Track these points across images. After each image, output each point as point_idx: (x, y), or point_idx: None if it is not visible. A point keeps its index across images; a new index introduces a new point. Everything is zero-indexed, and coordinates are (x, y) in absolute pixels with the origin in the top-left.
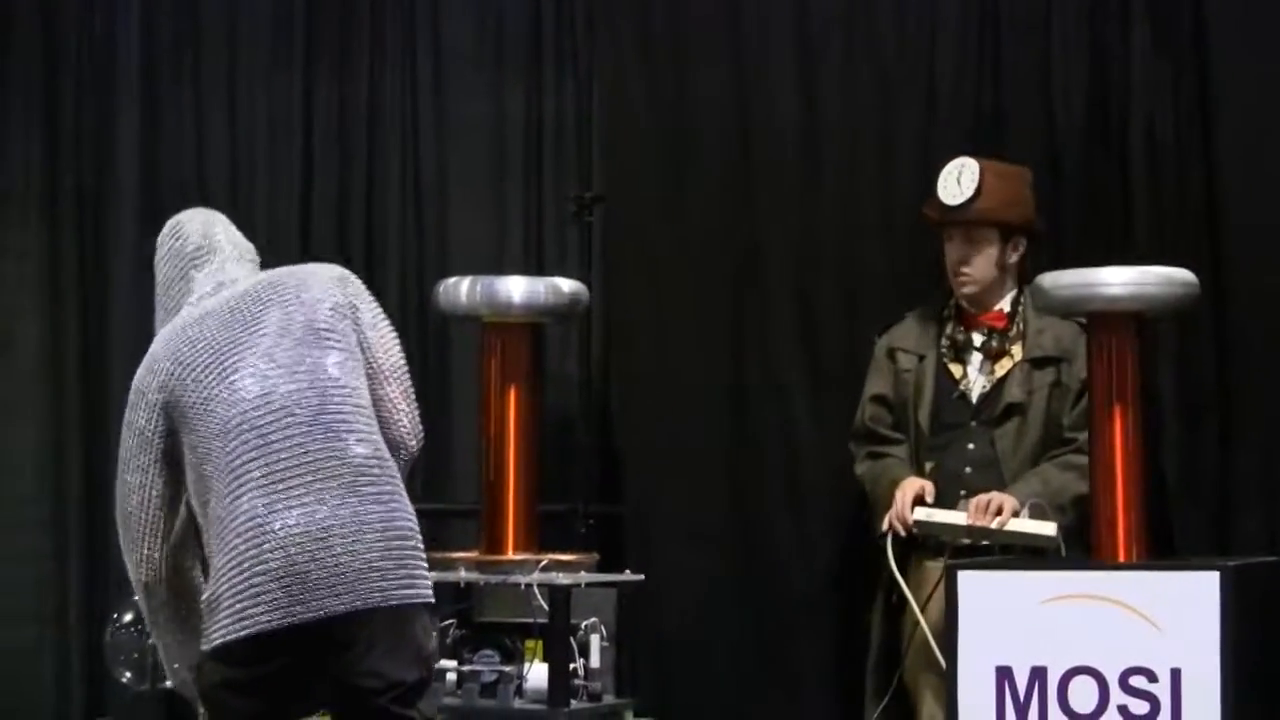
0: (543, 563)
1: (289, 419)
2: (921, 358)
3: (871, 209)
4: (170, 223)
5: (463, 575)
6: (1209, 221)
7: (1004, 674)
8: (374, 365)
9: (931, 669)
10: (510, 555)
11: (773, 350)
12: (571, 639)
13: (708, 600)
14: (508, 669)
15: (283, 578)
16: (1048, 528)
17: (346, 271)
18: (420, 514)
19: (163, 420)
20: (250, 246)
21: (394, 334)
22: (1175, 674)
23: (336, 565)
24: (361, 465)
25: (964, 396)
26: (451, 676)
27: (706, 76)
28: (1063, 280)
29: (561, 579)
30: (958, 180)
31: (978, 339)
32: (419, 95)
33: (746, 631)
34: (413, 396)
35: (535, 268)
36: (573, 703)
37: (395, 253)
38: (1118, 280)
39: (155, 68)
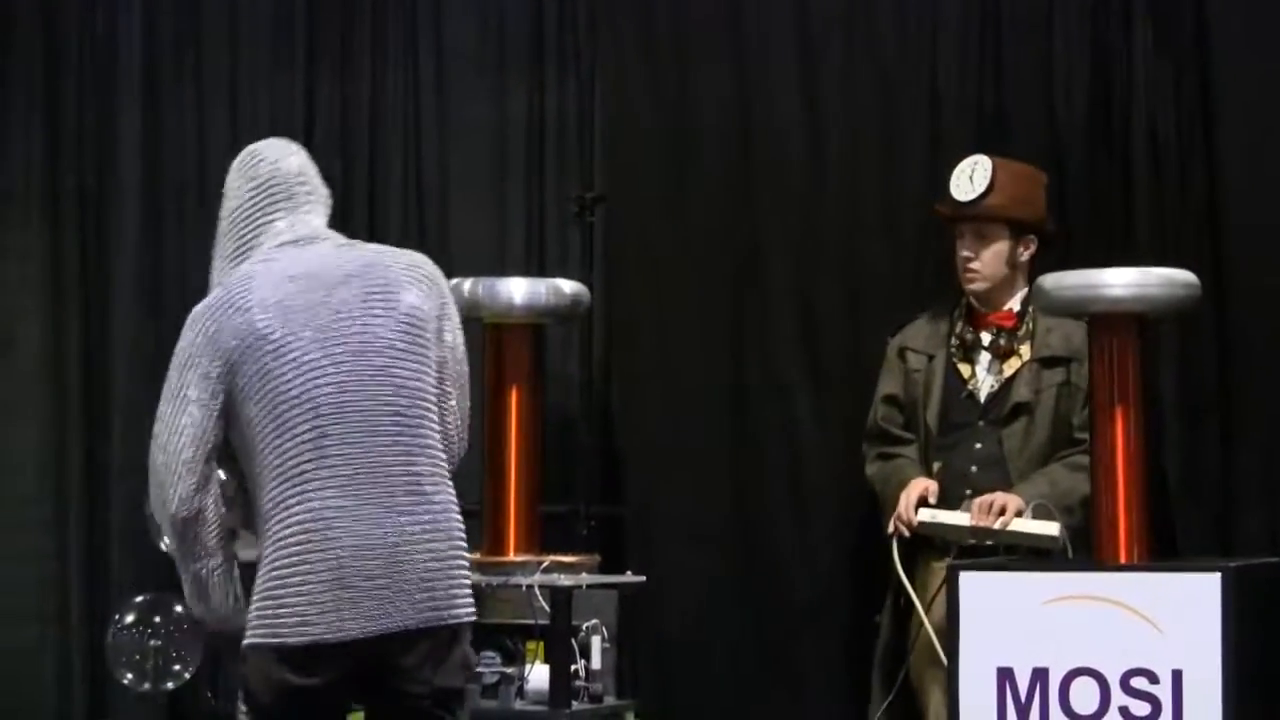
0: (544, 564)
1: (359, 418)
2: (931, 357)
3: (873, 209)
4: (257, 149)
5: None
6: (1210, 221)
7: (1005, 675)
8: (445, 373)
9: (937, 667)
10: (511, 556)
11: (774, 350)
12: (573, 640)
13: (709, 601)
14: (509, 670)
15: (346, 588)
16: (1050, 528)
17: (437, 270)
18: None
19: (227, 370)
20: (327, 192)
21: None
22: (1176, 675)
23: (401, 579)
24: (427, 473)
25: (972, 396)
26: None
27: (708, 76)
28: (1065, 281)
29: (563, 580)
30: (970, 177)
31: (986, 338)
32: (421, 95)
33: (748, 632)
34: (468, 409)
35: (537, 268)
36: (574, 704)
37: None
38: (1119, 281)
39: (157, 68)
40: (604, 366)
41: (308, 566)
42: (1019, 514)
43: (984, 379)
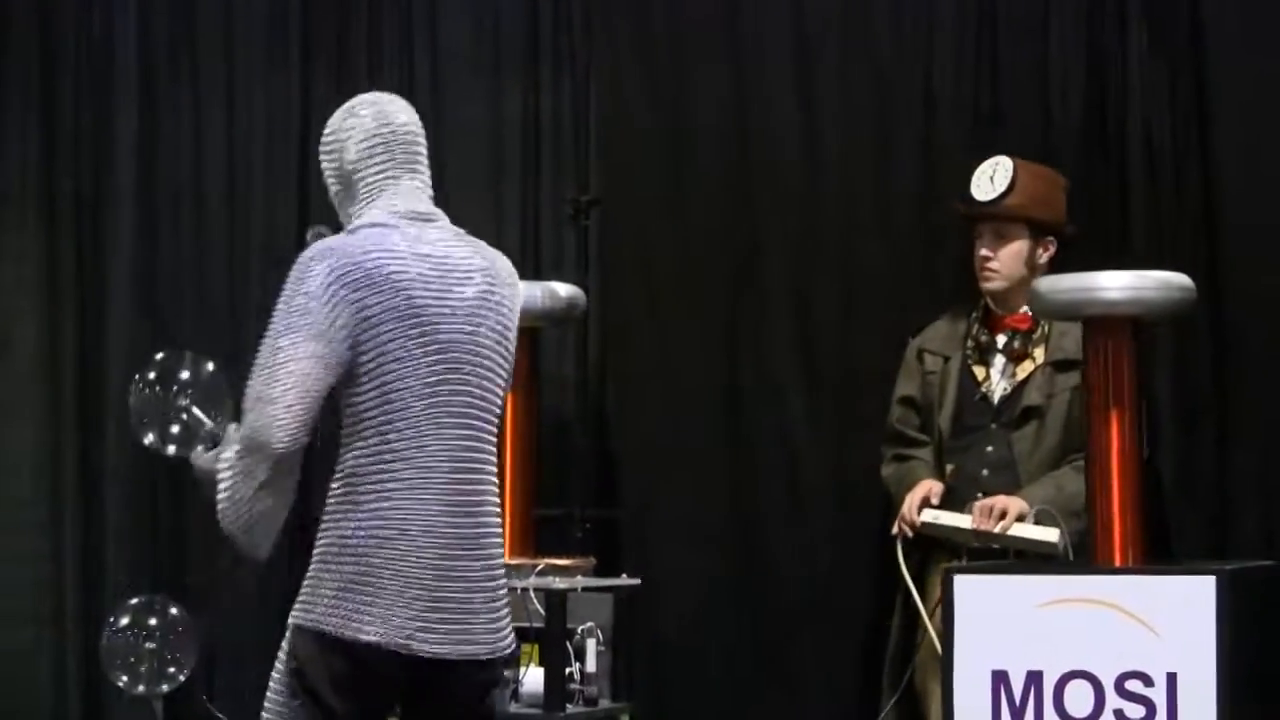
0: (539, 567)
1: (461, 425)
2: (947, 359)
3: (869, 210)
4: (380, 100)
5: None
6: (1206, 223)
7: (1000, 678)
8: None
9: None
10: (507, 559)
11: (770, 351)
12: (568, 643)
13: (705, 603)
14: (504, 673)
15: (434, 605)
16: (1050, 534)
17: (521, 285)
18: None
19: (349, 335)
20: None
21: None
22: (1171, 678)
23: (478, 602)
24: (491, 495)
25: (986, 399)
26: None
27: (704, 77)
28: (1060, 284)
29: (558, 583)
30: (991, 177)
31: (1001, 341)
32: (416, 96)
33: (744, 634)
34: None
35: (532, 269)
36: (569, 707)
37: None
38: (1115, 284)
39: (153, 69)
40: (599, 369)
41: (393, 570)
42: (1021, 518)
43: (998, 382)
